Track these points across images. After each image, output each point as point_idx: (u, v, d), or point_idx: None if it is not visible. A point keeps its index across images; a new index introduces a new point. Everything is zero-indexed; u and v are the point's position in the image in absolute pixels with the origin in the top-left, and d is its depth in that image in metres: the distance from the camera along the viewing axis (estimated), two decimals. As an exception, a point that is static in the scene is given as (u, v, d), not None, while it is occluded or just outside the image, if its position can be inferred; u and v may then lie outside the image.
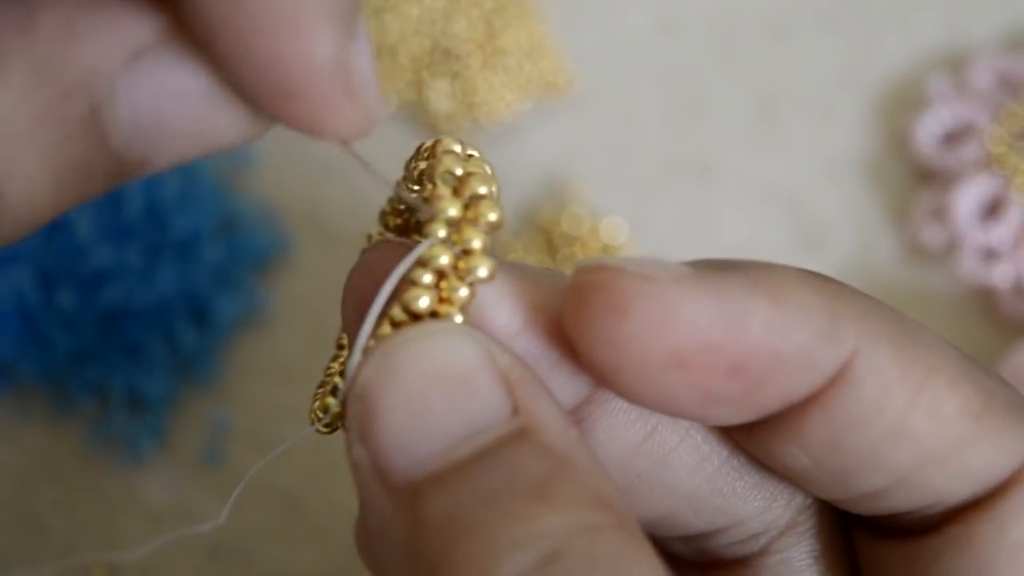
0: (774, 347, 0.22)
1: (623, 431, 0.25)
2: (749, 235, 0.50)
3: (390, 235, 0.27)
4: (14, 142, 0.20)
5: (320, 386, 0.26)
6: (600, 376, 0.23)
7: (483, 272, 0.22)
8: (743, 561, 0.27)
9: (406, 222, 0.27)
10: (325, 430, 0.25)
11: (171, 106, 0.21)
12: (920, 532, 0.24)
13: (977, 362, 0.24)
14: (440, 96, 0.51)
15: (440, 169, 0.23)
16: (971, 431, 0.23)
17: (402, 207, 0.26)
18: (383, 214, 0.27)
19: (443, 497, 0.20)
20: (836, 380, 0.23)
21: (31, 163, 0.20)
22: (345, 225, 0.49)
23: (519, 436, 0.21)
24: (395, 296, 0.23)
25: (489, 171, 0.24)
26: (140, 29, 0.20)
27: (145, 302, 0.46)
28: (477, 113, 0.51)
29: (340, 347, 0.27)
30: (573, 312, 0.22)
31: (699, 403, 0.22)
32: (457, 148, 0.24)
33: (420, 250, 0.22)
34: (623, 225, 0.50)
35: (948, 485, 0.23)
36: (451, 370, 0.21)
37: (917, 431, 0.23)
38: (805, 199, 0.50)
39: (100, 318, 0.46)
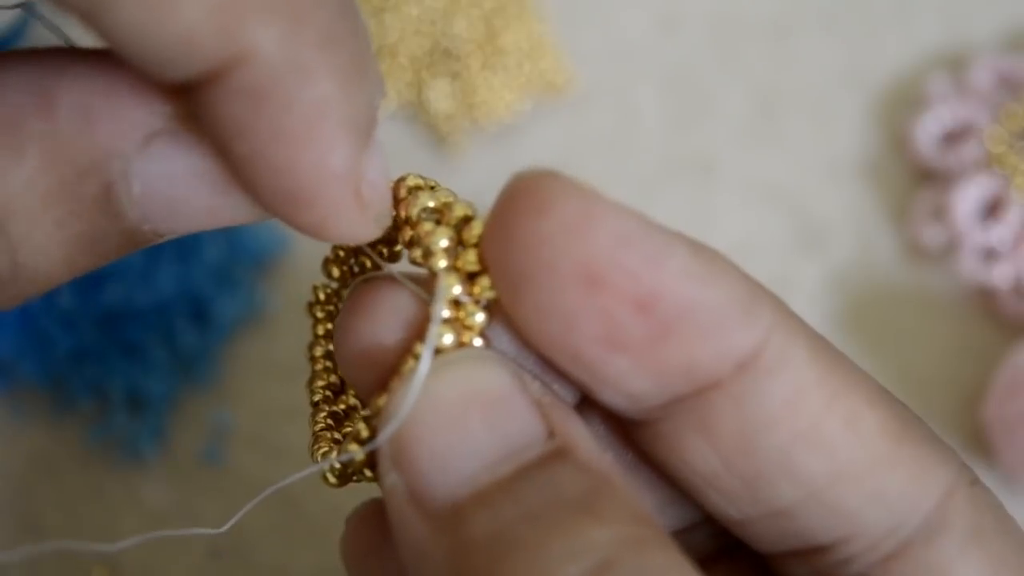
0: (687, 295, 0.21)
1: (605, 434, 0.25)
2: (749, 235, 0.50)
3: (334, 283, 0.27)
4: (28, 217, 0.21)
5: (316, 441, 0.25)
6: (508, 293, 0.22)
7: (492, 292, 0.22)
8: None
9: (350, 270, 0.26)
10: (337, 483, 0.24)
11: (181, 187, 0.22)
12: None
13: (893, 396, 0.23)
14: (440, 96, 0.51)
15: (418, 207, 0.23)
16: (889, 453, 0.22)
17: (341, 252, 0.26)
18: (327, 262, 0.26)
19: (487, 515, 0.20)
20: (747, 367, 0.22)
21: (44, 237, 0.21)
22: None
23: (558, 455, 0.21)
24: (414, 335, 0.23)
25: (456, 197, 0.24)
26: (153, 114, 0.21)
27: (145, 302, 0.46)
28: (477, 113, 0.51)
29: (316, 403, 0.26)
30: (496, 215, 0.22)
31: (603, 342, 0.21)
32: (420, 182, 0.24)
33: (443, 289, 0.22)
34: (623, 225, 0.50)
35: (864, 509, 0.22)
36: (487, 393, 0.21)
37: (831, 440, 0.22)
38: (805, 199, 0.50)
39: (100, 318, 0.46)
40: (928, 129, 0.50)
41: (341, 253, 0.26)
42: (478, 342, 0.23)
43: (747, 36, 0.53)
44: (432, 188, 0.24)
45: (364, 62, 0.21)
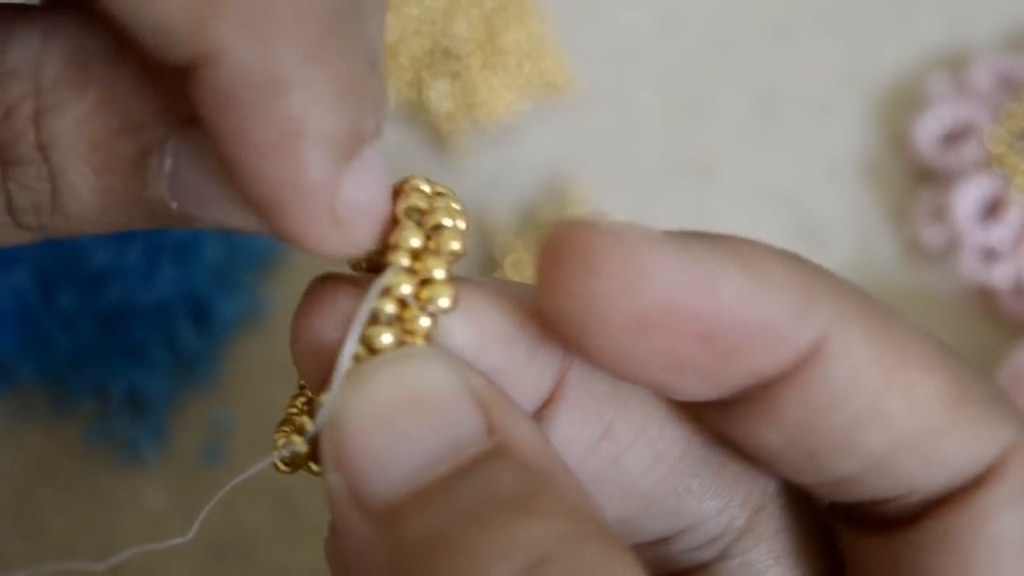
0: (744, 316, 0.22)
1: (577, 434, 0.24)
2: (749, 235, 0.50)
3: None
4: (74, 155, 0.22)
5: (282, 424, 0.26)
6: (570, 341, 0.22)
7: (445, 302, 0.22)
8: (702, 568, 0.26)
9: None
10: (287, 470, 0.24)
11: (210, 175, 0.22)
12: (899, 524, 0.24)
13: (956, 353, 0.24)
14: (440, 96, 0.51)
15: (404, 205, 0.23)
16: (947, 419, 0.23)
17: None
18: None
19: (423, 516, 0.20)
20: (808, 359, 0.22)
21: (82, 179, 0.22)
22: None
23: (496, 453, 0.21)
24: (358, 333, 0.22)
25: (457, 206, 0.23)
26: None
27: (145, 302, 0.46)
28: (477, 113, 0.51)
29: (301, 387, 0.27)
30: (544, 271, 0.22)
31: (668, 370, 0.22)
32: (425, 187, 0.24)
33: (384, 279, 0.22)
34: (623, 225, 0.50)
35: (923, 473, 0.23)
36: (424, 392, 0.21)
37: (890, 414, 0.22)
38: (805, 199, 0.50)
39: (100, 318, 0.46)
40: (928, 129, 0.50)
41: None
42: (420, 345, 0.22)
43: (747, 36, 0.53)
44: (439, 194, 0.24)
45: (355, 82, 0.21)
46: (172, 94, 0.22)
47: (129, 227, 0.23)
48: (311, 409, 0.24)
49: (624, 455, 0.24)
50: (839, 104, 0.52)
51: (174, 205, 0.22)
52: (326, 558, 0.25)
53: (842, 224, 0.50)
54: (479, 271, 0.50)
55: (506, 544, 0.20)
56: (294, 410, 0.26)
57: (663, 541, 0.26)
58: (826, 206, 0.50)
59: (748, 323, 0.22)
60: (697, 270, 0.22)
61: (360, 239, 0.22)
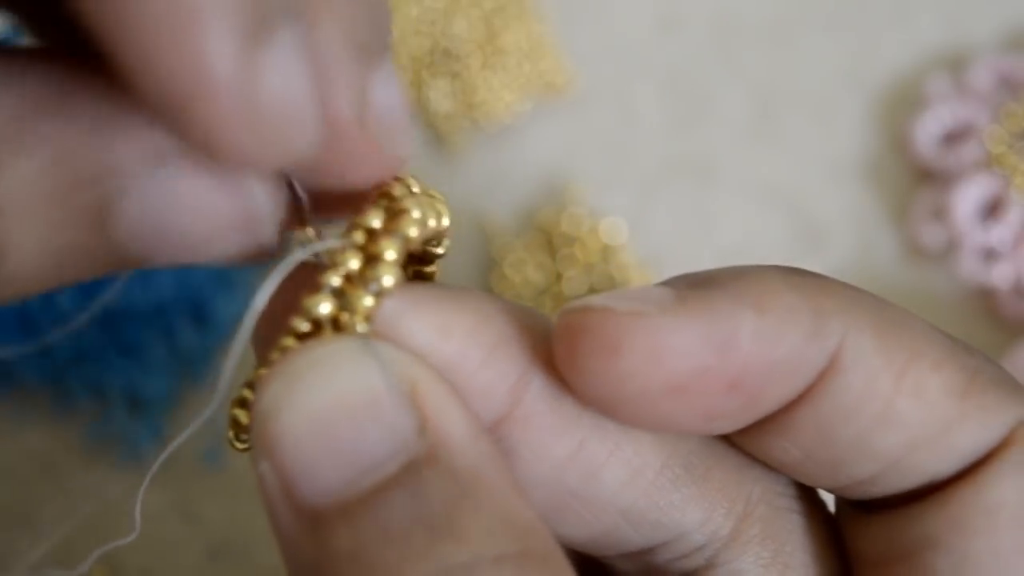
0: (766, 357, 0.22)
1: (549, 448, 0.24)
2: (749, 235, 0.50)
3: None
4: (23, 214, 0.20)
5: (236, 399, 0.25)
6: (599, 409, 0.23)
7: (388, 281, 0.22)
8: None
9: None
10: (241, 446, 0.24)
11: (177, 216, 0.20)
12: (903, 502, 0.24)
13: (961, 342, 0.24)
14: (440, 96, 0.51)
15: (379, 192, 0.23)
16: (956, 410, 0.23)
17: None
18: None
19: (348, 531, 0.20)
20: (824, 374, 0.23)
21: (34, 238, 0.20)
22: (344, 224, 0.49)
23: (424, 462, 0.20)
24: (298, 305, 0.22)
25: (438, 205, 0.23)
26: (165, 138, 0.20)
27: (145, 302, 0.46)
28: (477, 113, 0.51)
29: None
30: (565, 355, 0.22)
31: (701, 421, 0.23)
32: (415, 187, 0.23)
33: (323, 246, 0.22)
34: (623, 225, 0.50)
35: (936, 466, 0.23)
36: (355, 396, 0.21)
37: (904, 416, 0.23)
38: (805, 199, 0.50)
39: (100, 318, 0.46)
40: (928, 129, 0.50)
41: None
42: (361, 328, 0.22)
43: (747, 36, 0.53)
44: (427, 194, 0.23)
45: None
46: (134, 135, 0.20)
47: (86, 277, 0.22)
48: (252, 384, 0.23)
49: (600, 471, 0.24)
50: (839, 104, 0.52)
51: (134, 248, 0.21)
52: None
53: (842, 224, 0.50)
54: (478, 271, 0.50)
55: (426, 571, 0.19)
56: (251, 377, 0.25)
57: (649, 551, 0.26)
58: (826, 206, 0.50)
59: (770, 362, 0.22)
60: (714, 328, 0.22)
61: (286, 143, 0.19)
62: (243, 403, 0.24)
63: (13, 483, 0.45)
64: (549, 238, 0.49)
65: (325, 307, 0.22)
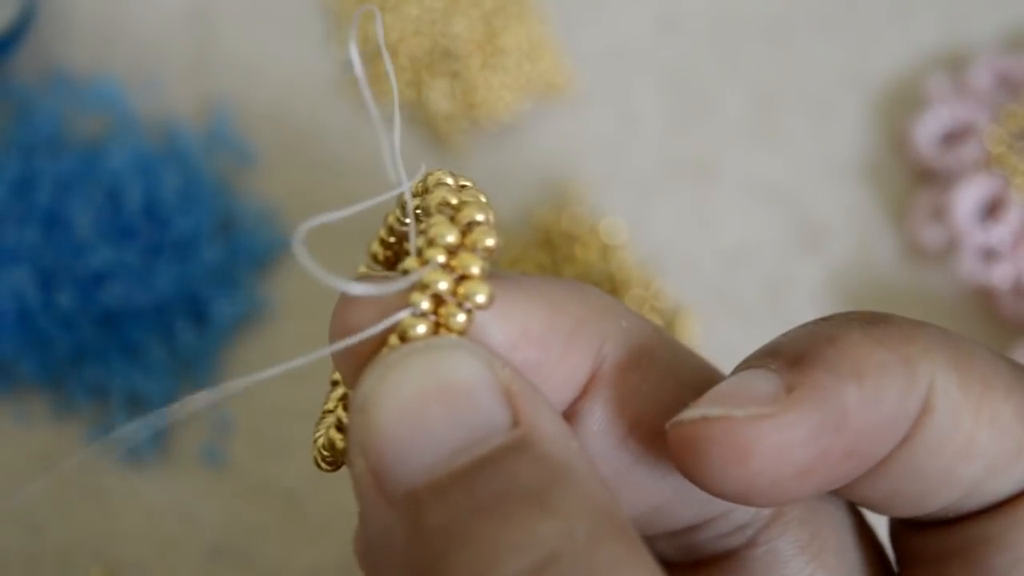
0: (872, 421, 0.23)
1: (608, 428, 0.25)
2: (749, 235, 0.50)
3: (378, 268, 0.27)
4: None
5: (320, 420, 0.26)
6: (730, 500, 0.24)
7: (481, 298, 0.22)
8: (730, 555, 0.27)
9: (396, 255, 0.26)
10: (329, 468, 0.25)
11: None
12: (956, 521, 0.25)
13: (1016, 364, 0.25)
14: (440, 96, 0.51)
15: (435, 200, 0.23)
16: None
17: (392, 239, 0.26)
18: (373, 252, 0.27)
19: (442, 506, 0.21)
20: (919, 418, 0.24)
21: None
22: (345, 225, 0.49)
23: (518, 446, 0.21)
24: (392, 326, 0.23)
25: (484, 199, 0.24)
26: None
27: (145, 302, 0.46)
28: (477, 113, 0.51)
29: (334, 383, 0.27)
30: (692, 465, 0.23)
31: (821, 489, 0.24)
32: (450, 180, 0.24)
33: (420, 275, 0.22)
34: (623, 225, 0.50)
35: (1007, 486, 0.24)
36: (451, 382, 0.22)
37: (983, 446, 0.24)
38: (805, 199, 0.50)
39: (100, 318, 0.46)
40: (928, 129, 0.50)
41: (391, 239, 0.26)
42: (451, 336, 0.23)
43: (747, 36, 0.53)
44: (463, 186, 0.24)
45: None
46: None
47: None
48: (347, 404, 0.24)
49: (658, 442, 0.25)
50: (839, 104, 0.52)
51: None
52: (354, 551, 0.25)
53: (842, 224, 0.50)
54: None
55: (518, 540, 0.20)
56: (330, 406, 0.26)
57: (692, 529, 0.27)
58: (826, 206, 0.50)
59: (877, 424, 0.23)
60: (827, 413, 0.23)
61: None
62: (339, 426, 0.24)
63: (13, 483, 0.45)
64: (549, 237, 0.49)
65: (421, 329, 0.22)
